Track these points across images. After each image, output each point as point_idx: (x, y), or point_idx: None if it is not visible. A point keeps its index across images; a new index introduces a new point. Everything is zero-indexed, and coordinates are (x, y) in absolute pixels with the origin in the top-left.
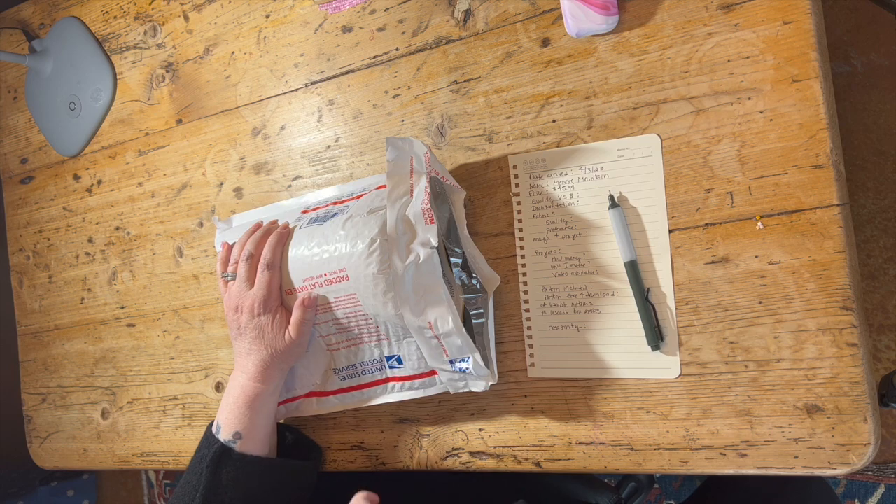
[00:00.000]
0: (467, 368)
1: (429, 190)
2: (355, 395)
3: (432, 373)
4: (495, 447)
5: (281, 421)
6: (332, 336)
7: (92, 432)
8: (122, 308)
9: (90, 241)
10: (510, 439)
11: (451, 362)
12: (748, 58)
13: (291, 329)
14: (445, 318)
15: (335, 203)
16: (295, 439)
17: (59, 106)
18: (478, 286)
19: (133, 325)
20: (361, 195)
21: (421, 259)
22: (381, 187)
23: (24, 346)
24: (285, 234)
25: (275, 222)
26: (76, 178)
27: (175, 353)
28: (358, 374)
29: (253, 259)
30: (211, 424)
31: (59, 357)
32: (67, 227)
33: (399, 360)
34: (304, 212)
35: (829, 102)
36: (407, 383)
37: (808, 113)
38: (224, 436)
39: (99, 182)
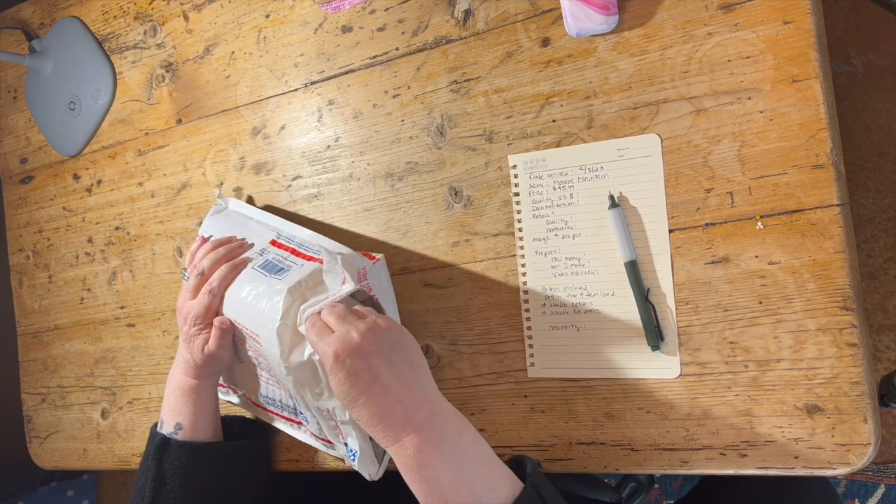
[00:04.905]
0: (355, 455)
1: (337, 299)
2: (277, 420)
3: (330, 441)
4: (495, 447)
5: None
6: (259, 369)
7: (92, 432)
8: (122, 308)
9: (90, 241)
10: (510, 439)
11: (345, 444)
12: (748, 58)
13: (210, 342)
14: (343, 411)
15: (293, 252)
16: (240, 426)
17: (59, 106)
18: None
19: (133, 325)
20: (312, 258)
21: (317, 357)
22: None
23: (24, 346)
24: (238, 267)
25: (242, 244)
26: (76, 178)
27: (175, 353)
28: (278, 407)
29: (203, 277)
30: (156, 424)
31: (59, 357)
32: (67, 226)
33: (306, 420)
34: (273, 241)
35: (829, 102)
36: (314, 437)
37: (808, 113)
38: (167, 429)
39: (99, 182)
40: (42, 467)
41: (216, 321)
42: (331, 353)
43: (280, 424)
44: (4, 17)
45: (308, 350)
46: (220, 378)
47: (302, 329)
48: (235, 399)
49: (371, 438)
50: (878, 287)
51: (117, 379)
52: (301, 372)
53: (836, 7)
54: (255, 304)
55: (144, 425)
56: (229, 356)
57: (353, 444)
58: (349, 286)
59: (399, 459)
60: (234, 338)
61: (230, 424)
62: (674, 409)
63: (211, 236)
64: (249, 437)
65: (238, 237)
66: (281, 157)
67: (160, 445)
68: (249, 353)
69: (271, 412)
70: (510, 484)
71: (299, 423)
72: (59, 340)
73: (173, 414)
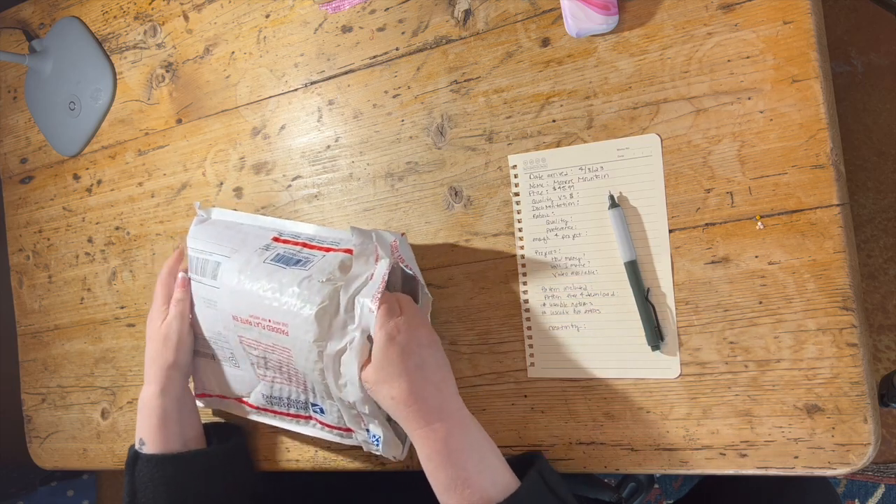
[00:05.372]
0: (378, 439)
1: (386, 277)
2: (279, 418)
3: (350, 429)
4: None
5: (204, 407)
6: (262, 369)
7: (92, 432)
8: (122, 308)
9: (90, 240)
10: (510, 439)
11: (367, 430)
12: (748, 58)
13: (170, 314)
14: (364, 404)
15: (305, 245)
16: (220, 431)
17: (59, 106)
18: None
19: (133, 325)
20: (331, 249)
21: (355, 342)
22: (348, 251)
23: (24, 346)
24: (179, 259)
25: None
26: (76, 177)
27: None
28: (283, 404)
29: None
30: None
31: (59, 357)
32: (67, 226)
33: (321, 410)
34: (275, 239)
35: (829, 102)
36: (327, 428)
37: (808, 113)
38: (136, 444)
39: (99, 182)
40: (42, 467)
41: (178, 278)
42: (391, 329)
43: (285, 424)
44: (4, 17)
45: (345, 340)
46: (204, 387)
47: (361, 303)
48: (222, 406)
49: (390, 426)
50: (878, 287)
51: (117, 379)
52: (333, 361)
53: (836, 7)
54: (279, 295)
55: None
56: (185, 327)
57: (376, 430)
58: (385, 262)
59: (427, 443)
60: (219, 344)
61: (209, 431)
62: (674, 409)
63: (197, 256)
64: (225, 441)
65: (229, 241)
66: (281, 157)
67: (131, 459)
68: (252, 352)
69: (274, 412)
70: (513, 479)
71: (307, 418)
72: (59, 340)
73: (139, 430)
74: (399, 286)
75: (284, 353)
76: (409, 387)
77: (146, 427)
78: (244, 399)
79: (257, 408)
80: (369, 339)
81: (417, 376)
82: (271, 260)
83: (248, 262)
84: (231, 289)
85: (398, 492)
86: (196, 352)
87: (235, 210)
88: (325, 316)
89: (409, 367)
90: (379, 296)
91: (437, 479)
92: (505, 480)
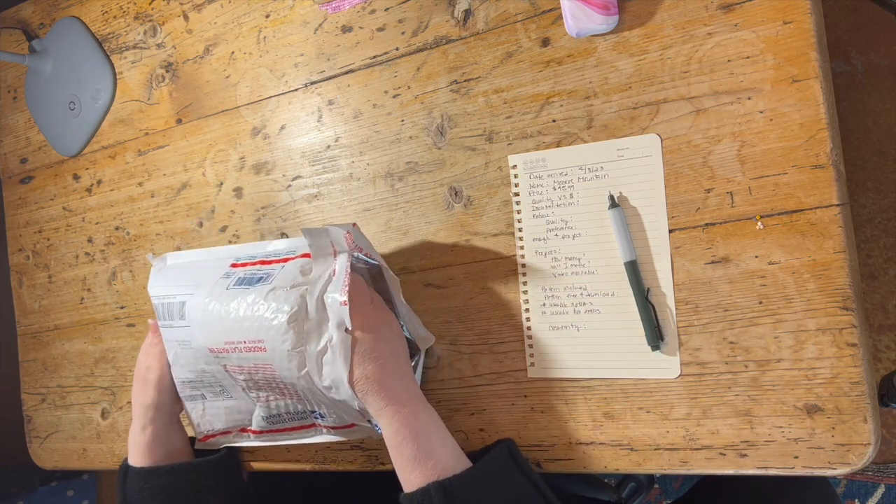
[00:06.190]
0: (380, 428)
1: (349, 269)
2: (286, 435)
3: (353, 424)
4: None
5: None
6: (254, 391)
7: (92, 432)
8: (122, 308)
9: (90, 241)
10: None
11: (369, 421)
12: (748, 58)
13: (157, 349)
14: (353, 399)
15: (263, 263)
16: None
17: (59, 106)
18: (411, 340)
19: (133, 325)
20: (288, 258)
21: (334, 340)
22: (306, 255)
23: (23, 346)
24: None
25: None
26: (76, 177)
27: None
28: (286, 420)
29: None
30: None
31: (59, 357)
32: (67, 226)
33: (321, 415)
34: (233, 265)
35: (829, 102)
36: (332, 430)
37: (808, 113)
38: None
39: (99, 182)
40: (42, 467)
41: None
42: (367, 319)
43: (293, 440)
44: (4, 17)
45: (324, 340)
46: (205, 430)
47: (330, 299)
48: (227, 441)
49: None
50: (878, 287)
51: (117, 379)
52: (315, 363)
53: (836, 7)
54: (249, 314)
55: None
56: (170, 380)
57: (376, 420)
58: (344, 255)
59: (397, 417)
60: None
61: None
62: (674, 409)
63: (162, 302)
64: (213, 453)
65: (189, 279)
66: (281, 157)
67: (122, 471)
68: (240, 377)
69: (279, 431)
70: (469, 462)
71: (312, 426)
72: (59, 340)
73: (129, 454)
74: (368, 279)
75: (267, 370)
76: (382, 368)
77: (132, 460)
78: (247, 428)
79: (260, 432)
80: (347, 331)
81: (391, 360)
82: (234, 285)
83: (212, 292)
84: (201, 322)
85: (396, 491)
86: (187, 397)
87: (190, 249)
88: (297, 321)
89: (384, 352)
90: (346, 288)
91: (402, 452)
92: (463, 458)
